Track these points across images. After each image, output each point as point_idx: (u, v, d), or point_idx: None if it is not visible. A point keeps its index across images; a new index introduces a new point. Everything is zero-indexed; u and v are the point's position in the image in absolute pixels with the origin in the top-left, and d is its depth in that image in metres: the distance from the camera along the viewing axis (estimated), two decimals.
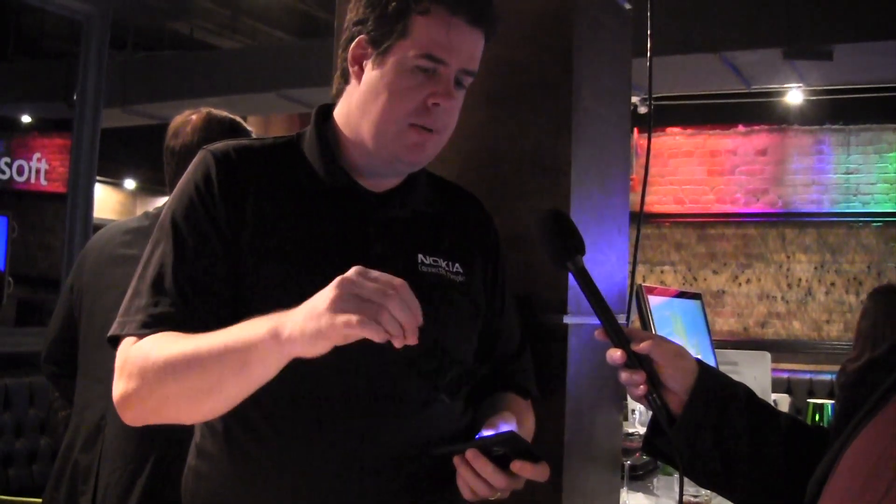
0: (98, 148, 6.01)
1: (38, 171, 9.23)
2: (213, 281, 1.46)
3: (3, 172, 8.93)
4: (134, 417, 1.46)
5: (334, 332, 1.21)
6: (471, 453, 1.38)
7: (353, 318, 1.19)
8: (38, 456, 4.93)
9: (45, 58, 10.46)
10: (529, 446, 1.38)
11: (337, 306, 1.21)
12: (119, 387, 1.42)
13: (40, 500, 3.39)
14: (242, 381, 1.32)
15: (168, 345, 1.38)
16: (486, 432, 1.43)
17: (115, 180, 13.08)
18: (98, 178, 6.02)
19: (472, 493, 1.41)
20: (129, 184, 13.48)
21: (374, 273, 1.24)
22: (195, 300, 1.45)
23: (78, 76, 5.99)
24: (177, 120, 2.61)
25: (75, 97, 5.97)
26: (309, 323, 1.23)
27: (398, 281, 1.24)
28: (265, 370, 1.31)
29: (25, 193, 11.04)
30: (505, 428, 1.42)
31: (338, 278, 1.23)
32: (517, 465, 1.36)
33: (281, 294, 1.44)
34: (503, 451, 1.38)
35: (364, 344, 1.38)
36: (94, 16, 5.96)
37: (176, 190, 1.54)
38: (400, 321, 1.21)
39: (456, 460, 1.41)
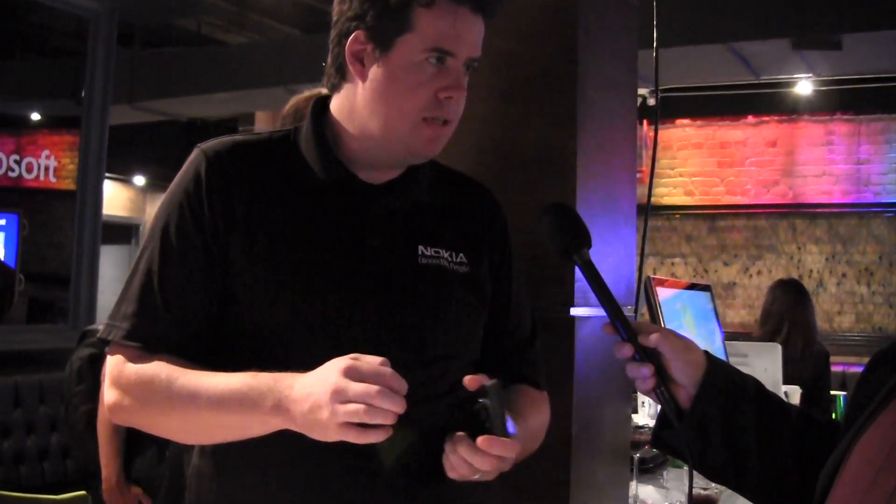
0: (106, 145, 6.02)
1: (47, 169, 9.26)
2: (199, 289, 1.47)
3: (13, 170, 8.95)
4: (123, 423, 1.54)
5: (334, 436, 1.28)
6: (457, 438, 1.35)
7: (347, 430, 1.26)
8: (49, 453, 4.95)
9: (53, 55, 10.49)
10: (502, 411, 1.33)
11: (333, 413, 1.25)
12: (112, 395, 1.47)
13: (51, 497, 3.41)
14: (240, 433, 1.40)
15: (172, 378, 1.40)
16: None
17: (124, 177, 13.09)
18: (107, 174, 6.03)
19: (454, 471, 1.38)
20: (139, 180, 13.49)
21: (364, 367, 1.27)
22: (179, 308, 1.46)
23: (86, 73, 6.00)
24: (292, 103, 2.44)
25: (83, 94, 5.98)
26: (312, 421, 1.28)
27: (382, 370, 1.27)
28: (264, 431, 1.37)
29: (35, 191, 11.06)
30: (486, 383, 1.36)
31: (332, 383, 1.27)
32: (483, 442, 1.32)
33: (275, 292, 1.45)
34: (481, 417, 1.34)
35: (366, 340, 1.42)
36: (102, 13, 5.97)
37: (168, 191, 1.53)
38: (387, 409, 1.25)
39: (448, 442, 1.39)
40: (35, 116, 11.54)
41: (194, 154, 1.53)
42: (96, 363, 3.37)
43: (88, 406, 3.39)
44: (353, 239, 1.50)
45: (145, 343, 1.45)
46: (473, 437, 1.34)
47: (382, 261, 1.51)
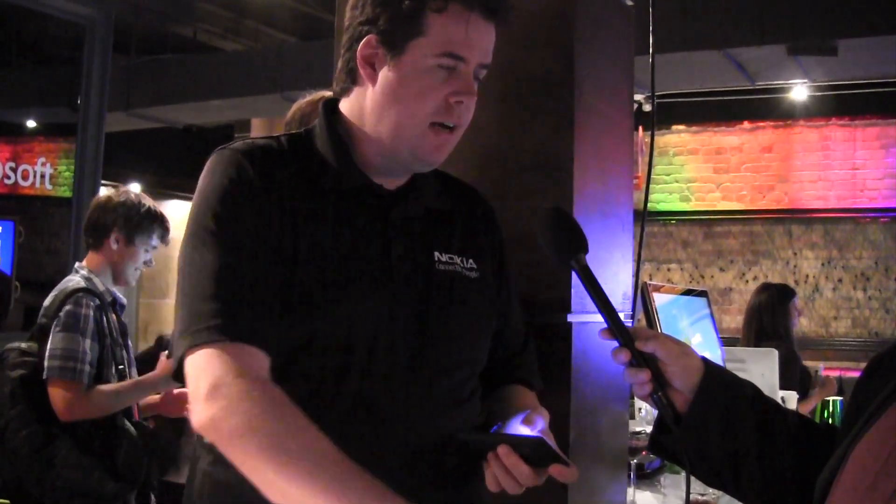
0: (102, 152, 6.01)
1: (43, 176, 9.27)
2: (270, 279, 1.39)
3: (9, 178, 8.96)
4: (216, 442, 1.33)
5: None
6: (503, 450, 1.39)
7: None
8: None
9: (49, 63, 10.50)
10: (555, 451, 1.38)
11: None
12: (209, 409, 1.29)
13: None
14: None
15: (300, 428, 1.26)
16: (517, 426, 1.44)
17: (120, 184, 13.11)
18: (103, 182, 6.02)
19: (498, 487, 1.41)
20: (135, 187, 13.49)
21: None
22: (261, 297, 1.38)
23: (82, 80, 5.99)
24: (296, 107, 2.36)
25: (79, 101, 5.98)
26: None
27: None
28: None
29: (31, 198, 11.06)
30: (535, 429, 1.43)
31: None
32: (556, 470, 1.37)
33: (309, 297, 1.41)
34: (528, 453, 1.38)
35: (399, 347, 1.44)
36: (98, 20, 5.97)
37: (204, 192, 1.44)
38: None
39: (490, 455, 1.40)
40: (31, 124, 11.55)
41: (227, 154, 1.47)
42: (29, 386, 3.15)
43: (30, 429, 3.18)
44: (379, 246, 1.49)
45: (239, 337, 1.33)
46: (532, 463, 1.39)
47: (406, 267, 1.50)
